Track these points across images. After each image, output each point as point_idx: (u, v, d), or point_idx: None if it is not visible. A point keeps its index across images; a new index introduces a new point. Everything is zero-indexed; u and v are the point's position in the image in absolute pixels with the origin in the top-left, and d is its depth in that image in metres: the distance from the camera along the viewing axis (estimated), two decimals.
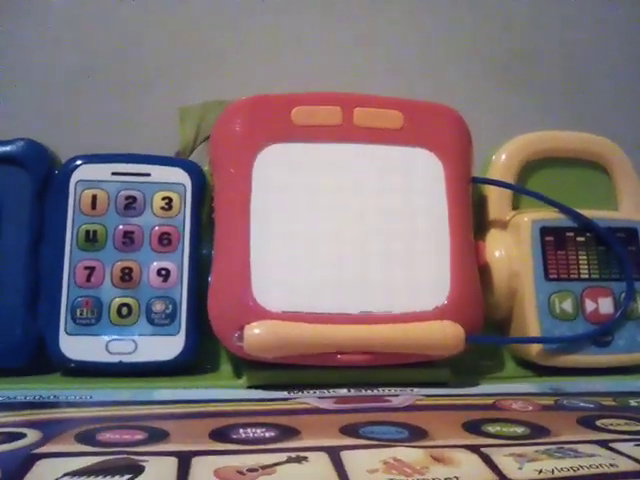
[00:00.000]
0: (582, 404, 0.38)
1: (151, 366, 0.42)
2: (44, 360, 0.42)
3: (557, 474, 0.27)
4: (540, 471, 0.27)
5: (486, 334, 0.46)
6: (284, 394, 0.39)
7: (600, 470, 0.28)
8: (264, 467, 0.27)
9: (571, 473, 0.27)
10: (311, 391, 0.40)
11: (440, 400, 0.39)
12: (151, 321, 0.42)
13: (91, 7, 0.62)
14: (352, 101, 0.44)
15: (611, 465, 0.28)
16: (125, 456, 0.28)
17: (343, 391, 0.40)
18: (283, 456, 0.28)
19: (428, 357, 0.41)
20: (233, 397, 0.39)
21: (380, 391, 0.40)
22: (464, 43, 0.66)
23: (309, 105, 0.43)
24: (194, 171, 0.44)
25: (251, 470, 0.27)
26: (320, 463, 0.28)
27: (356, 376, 0.41)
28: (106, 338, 0.41)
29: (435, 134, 0.44)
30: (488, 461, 0.28)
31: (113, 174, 0.43)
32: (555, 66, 0.67)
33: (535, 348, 0.44)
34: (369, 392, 0.40)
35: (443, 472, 0.27)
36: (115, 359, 0.41)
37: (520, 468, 0.28)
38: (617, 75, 0.68)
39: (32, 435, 0.31)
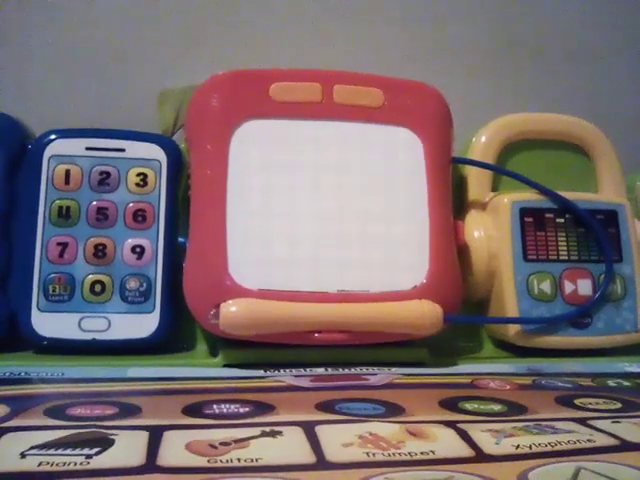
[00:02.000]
0: (560, 384, 0.38)
1: (125, 344, 0.41)
2: (16, 337, 0.41)
3: (535, 449, 0.27)
4: (517, 446, 0.27)
5: (465, 314, 0.46)
6: (260, 373, 0.39)
7: (578, 445, 0.27)
8: (237, 441, 0.27)
9: (549, 448, 0.27)
10: (288, 370, 0.39)
11: (417, 379, 0.39)
12: (125, 299, 0.41)
13: None
14: (332, 78, 0.43)
15: (589, 440, 0.28)
16: (94, 429, 0.27)
17: (320, 370, 0.39)
18: (257, 430, 0.28)
19: (406, 336, 0.40)
20: (208, 375, 0.38)
21: (358, 370, 0.40)
22: (446, 25, 0.66)
23: (288, 81, 0.43)
24: (170, 147, 0.44)
25: (224, 444, 0.26)
26: (294, 437, 0.28)
27: (333, 355, 0.41)
28: (79, 315, 0.41)
29: (416, 113, 0.44)
30: (465, 436, 0.28)
31: (87, 149, 0.43)
32: (537, 49, 0.67)
33: (513, 329, 0.44)
34: (346, 371, 0.39)
35: (419, 446, 0.27)
36: (88, 336, 0.41)
37: (497, 443, 0.28)
38: (599, 58, 0.68)
39: None
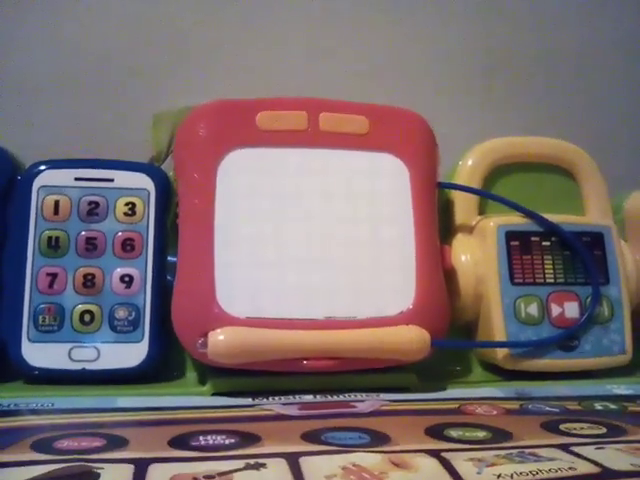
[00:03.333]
0: (547, 408, 0.38)
1: (114, 373, 0.41)
2: (6, 367, 0.41)
3: (516, 478, 0.27)
4: (499, 475, 0.27)
5: (453, 338, 0.46)
6: (248, 401, 0.39)
7: (559, 474, 0.28)
8: (221, 474, 0.27)
9: (530, 477, 0.27)
10: (276, 398, 0.39)
11: (405, 405, 0.39)
12: (114, 328, 0.41)
13: (61, 11, 0.61)
14: (318, 106, 0.44)
15: (570, 468, 0.28)
16: (80, 463, 0.28)
17: (309, 397, 0.40)
18: (241, 463, 0.28)
19: (394, 362, 0.41)
20: (196, 404, 0.38)
21: (346, 397, 0.40)
22: (431, 50, 0.66)
23: (274, 110, 0.43)
24: (158, 176, 0.44)
25: (207, 477, 0.27)
26: (278, 469, 0.28)
27: (322, 382, 0.41)
28: (69, 345, 0.41)
29: (400, 139, 0.44)
30: (447, 466, 0.28)
31: (76, 179, 0.43)
32: (522, 72, 0.68)
33: (501, 352, 0.44)
34: (335, 398, 0.40)
35: (402, 477, 0.27)
36: (78, 366, 0.41)
37: (479, 472, 0.28)
38: (584, 80, 0.69)
39: None
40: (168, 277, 0.43)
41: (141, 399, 0.39)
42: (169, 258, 0.43)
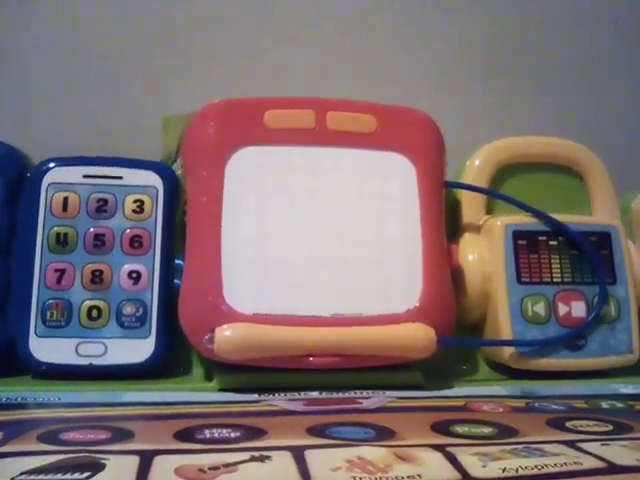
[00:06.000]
0: (553, 406, 0.38)
1: (121, 369, 0.41)
2: (14, 362, 0.42)
3: (521, 472, 0.27)
4: (504, 469, 0.27)
5: (459, 337, 0.46)
6: (254, 397, 0.39)
7: (564, 468, 0.28)
8: (226, 465, 0.27)
9: (535, 472, 0.27)
10: (282, 394, 0.39)
11: (411, 402, 0.39)
12: (121, 324, 0.42)
13: (68, 8, 0.62)
14: (325, 105, 0.44)
15: (575, 463, 0.28)
16: (86, 454, 0.28)
17: (314, 394, 0.40)
18: (246, 455, 0.28)
19: (400, 359, 0.41)
20: (202, 400, 0.38)
21: (352, 394, 0.40)
22: (440, 49, 0.67)
23: (282, 109, 0.43)
24: (166, 174, 0.44)
25: (212, 468, 0.27)
26: (283, 462, 0.28)
27: (328, 379, 0.41)
28: (76, 341, 0.41)
29: (408, 138, 0.44)
30: (452, 460, 0.28)
31: (85, 177, 0.43)
32: (530, 72, 0.68)
33: (508, 351, 0.44)
34: (340, 395, 0.40)
35: (406, 470, 0.27)
36: (85, 362, 0.41)
37: (484, 466, 0.28)
38: (592, 80, 0.69)
39: None
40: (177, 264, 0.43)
41: (147, 394, 0.39)
42: (177, 261, 0.44)
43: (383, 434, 0.32)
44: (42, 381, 0.41)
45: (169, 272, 0.43)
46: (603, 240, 0.47)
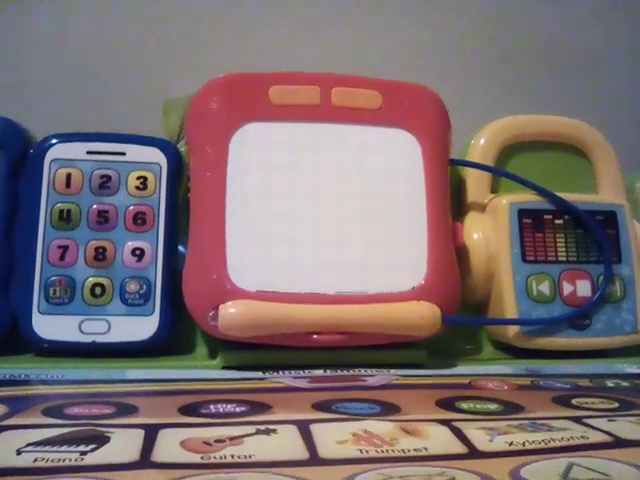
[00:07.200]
0: (558, 384, 0.38)
1: (125, 346, 0.41)
2: (18, 340, 0.41)
3: (528, 446, 0.27)
4: (511, 443, 0.27)
5: (464, 316, 0.46)
6: (259, 374, 0.39)
7: (571, 442, 0.28)
8: (232, 438, 0.27)
9: (542, 445, 0.27)
10: (286, 372, 0.39)
11: (415, 380, 0.39)
12: (125, 301, 0.41)
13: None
14: (330, 81, 0.44)
15: (582, 437, 0.28)
16: (91, 427, 0.28)
17: (319, 371, 0.40)
18: (252, 428, 0.28)
19: (404, 337, 0.40)
20: (206, 377, 0.38)
21: (356, 371, 0.40)
22: (446, 28, 0.66)
23: (287, 84, 0.43)
24: (170, 150, 0.44)
25: (218, 441, 0.27)
26: (289, 435, 0.28)
27: (332, 357, 0.41)
28: (79, 318, 0.41)
29: (413, 115, 0.44)
30: (459, 434, 0.28)
31: (88, 153, 0.43)
32: (536, 52, 0.67)
33: (512, 330, 0.44)
34: (345, 372, 0.39)
35: (412, 443, 0.27)
36: (88, 339, 0.41)
37: (491, 440, 0.28)
38: (597, 60, 0.68)
39: None
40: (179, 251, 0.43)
41: (151, 372, 0.39)
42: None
43: (388, 409, 0.32)
44: (45, 358, 0.41)
45: (173, 249, 0.43)
46: (609, 219, 0.46)
